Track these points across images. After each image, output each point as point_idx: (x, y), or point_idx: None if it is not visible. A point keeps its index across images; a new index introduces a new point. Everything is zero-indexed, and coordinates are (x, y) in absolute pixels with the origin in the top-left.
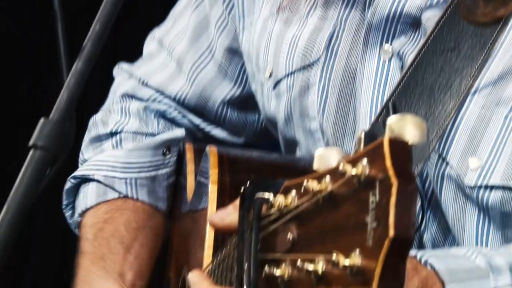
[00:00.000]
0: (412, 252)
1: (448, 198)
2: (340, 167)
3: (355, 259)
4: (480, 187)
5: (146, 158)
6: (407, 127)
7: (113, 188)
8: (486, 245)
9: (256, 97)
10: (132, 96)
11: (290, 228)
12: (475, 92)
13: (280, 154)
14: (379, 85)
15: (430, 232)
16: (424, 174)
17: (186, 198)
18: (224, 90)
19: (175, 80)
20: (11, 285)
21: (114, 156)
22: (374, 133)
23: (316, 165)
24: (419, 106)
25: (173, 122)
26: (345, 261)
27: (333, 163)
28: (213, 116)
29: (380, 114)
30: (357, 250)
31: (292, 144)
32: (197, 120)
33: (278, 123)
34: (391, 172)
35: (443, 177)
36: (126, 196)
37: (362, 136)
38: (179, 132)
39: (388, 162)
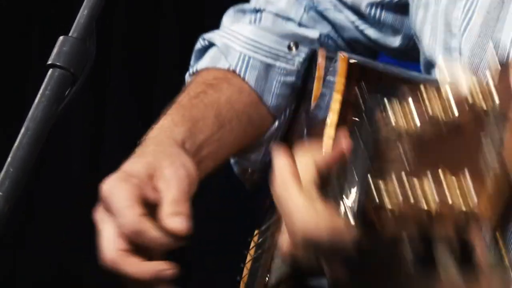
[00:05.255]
0: None
1: None
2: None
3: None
4: None
5: (267, 42)
6: None
7: (225, 58)
8: None
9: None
10: None
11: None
12: None
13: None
14: None
15: None
16: None
17: (309, 105)
18: None
19: None
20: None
21: (242, 29)
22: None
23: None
24: None
25: (323, 16)
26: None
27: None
28: (366, 15)
29: None
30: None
31: (430, 62)
32: (352, 17)
33: (422, 38)
34: None
35: None
36: (234, 71)
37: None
38: (312, 33)
39: None
